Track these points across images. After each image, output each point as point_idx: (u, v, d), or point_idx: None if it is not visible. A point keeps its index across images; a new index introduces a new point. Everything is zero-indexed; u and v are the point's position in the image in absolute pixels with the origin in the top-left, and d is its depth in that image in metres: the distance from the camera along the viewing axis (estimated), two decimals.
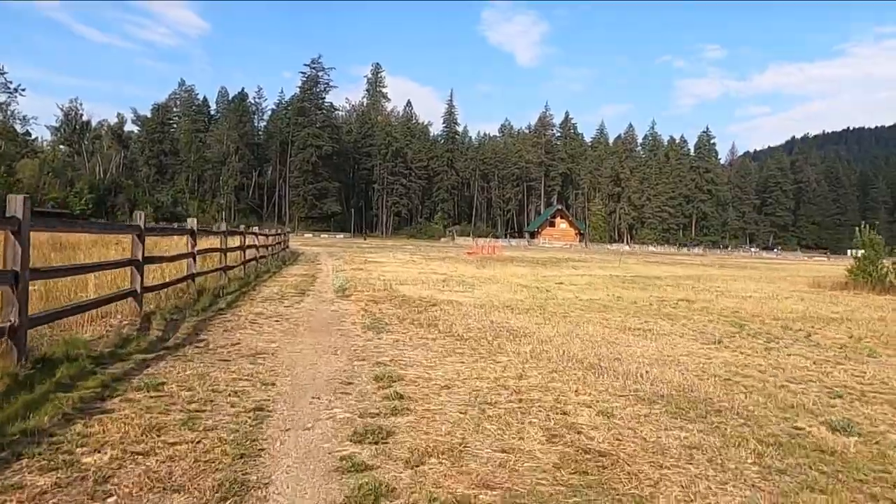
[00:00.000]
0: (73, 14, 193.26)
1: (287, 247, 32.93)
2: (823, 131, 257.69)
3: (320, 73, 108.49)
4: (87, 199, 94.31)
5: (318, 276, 17.62)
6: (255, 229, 19.53)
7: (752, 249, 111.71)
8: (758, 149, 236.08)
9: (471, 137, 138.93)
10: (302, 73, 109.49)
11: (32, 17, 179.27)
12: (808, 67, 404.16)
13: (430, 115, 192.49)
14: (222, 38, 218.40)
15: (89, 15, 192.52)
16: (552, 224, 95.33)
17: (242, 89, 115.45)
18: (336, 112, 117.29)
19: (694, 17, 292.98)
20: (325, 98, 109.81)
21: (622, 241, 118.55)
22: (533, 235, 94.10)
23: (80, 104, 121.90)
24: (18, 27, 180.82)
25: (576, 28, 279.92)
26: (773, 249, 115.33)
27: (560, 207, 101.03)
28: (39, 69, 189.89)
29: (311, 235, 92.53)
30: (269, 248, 23.74)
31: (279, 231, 28.85)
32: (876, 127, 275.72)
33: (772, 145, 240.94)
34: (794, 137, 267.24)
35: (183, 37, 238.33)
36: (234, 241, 16.21)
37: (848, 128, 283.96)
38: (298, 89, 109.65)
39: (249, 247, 17.96)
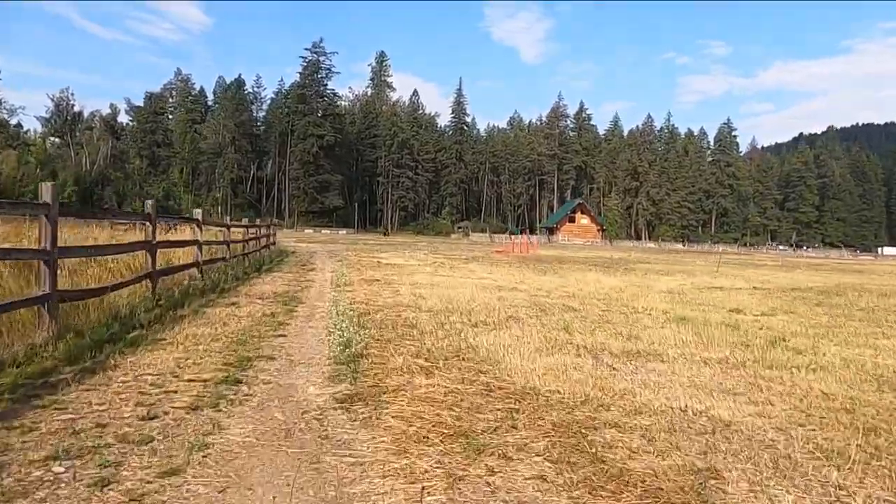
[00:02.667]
0: (76, 9, 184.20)
1: (273, 243, 24.57)
2: (831, 127, 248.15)
3: (322, 58, 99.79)
4: (71, 192, 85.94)
5: (303, 300, 9.26)
6: (197, 213, 11.19)
7: (780, 247, 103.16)
8: (764, 145, 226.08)
9: (478, 130, 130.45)
10: (302, 57, 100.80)
11: (35, 12, 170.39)
12: (814, 64, 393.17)
13: (435, 112, 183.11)
14: (225, 34, 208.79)
15: (91, 10, 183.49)
16: (572, 220, 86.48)
17: (239, 75, 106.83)
18: (339, 100, 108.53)
19: (699, 14, 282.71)
20: (326, 85, 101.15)
21: (640, 239, 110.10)
22: (551, 232, 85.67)
23: (72, 94, 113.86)
24: (20, 22, 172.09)
25: (580, 25, 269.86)
26: (801, 247, 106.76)
27: (581, 201, 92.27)
28: (41, 65, 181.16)
29: (311, 231, 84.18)
30: (234, 247, 15.43)
31: (257, 223, 20.47)
32: (886, 123, 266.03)
33: (779, 142, 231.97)
34: (801, 134, 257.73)
35: (186, 32, 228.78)
36: (149, 235, 7.92)
37: (857, 123, 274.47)
38: (298, 75, 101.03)
39: (178, 244, 9.70)
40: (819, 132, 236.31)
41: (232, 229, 15.42)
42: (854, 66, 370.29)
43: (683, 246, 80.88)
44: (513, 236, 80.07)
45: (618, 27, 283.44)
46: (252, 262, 16.13)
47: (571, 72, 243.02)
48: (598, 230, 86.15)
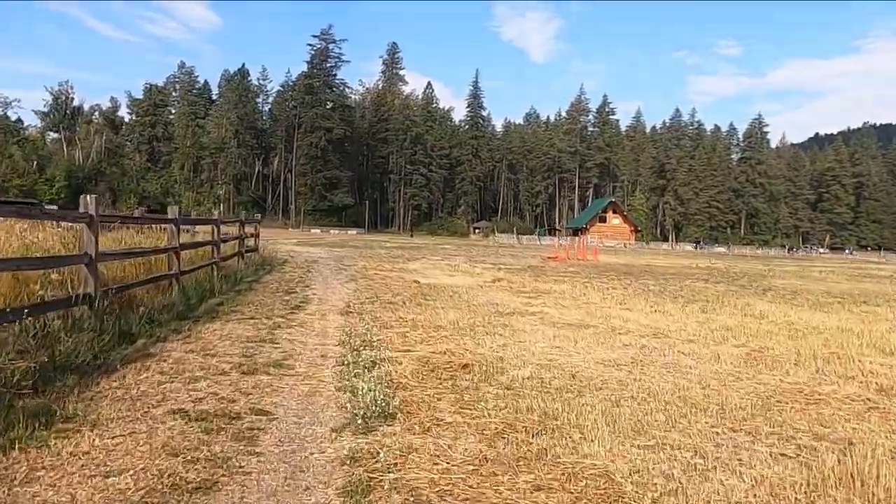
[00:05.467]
0: (86, 10, 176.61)
1: (255, 249, 16.37)
2: (848, 128, 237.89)
3: (331, 46, 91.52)
4: (60, 188, 78.06)
5: None
6: None
7: (820, 250, 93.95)
8: (779, 146, 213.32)
9: (493, 126, 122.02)
10: (310, 45, 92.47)
11: (44, 13, 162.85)
12: (825, 64, 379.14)
13: (449, 107, 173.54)
14: (234, 35, 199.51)
15: (100, 10, 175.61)
16: (603, 219, 77.51)
17: (243, 65, 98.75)
18: (348, 91, 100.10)
19: (708, 13, 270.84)
20: (336, 74, 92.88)
21: (667, 240, 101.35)
22: (577, 232, 77.01)
23: (71, 88, 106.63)
24: (31, 22, 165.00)
25: (590, 25, 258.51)
26: (843, 250, 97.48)
27: (613, 200, 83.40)
28: (50, 64, 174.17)
29: (318, 231, 76.14)
30: (151, 265, 7.27)
31: (215, 218, 12.14)
32: None
33: (794, 142, 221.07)
34: (817, 134, 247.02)
35: (194, 31, 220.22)
36: None
37: (875, 123, 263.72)
38: (306, 64, 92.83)
39: None
40: (835, 132, 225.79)
41: (127, 228, 7.27)
42: (866, 64, 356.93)
43: (726, 250, 72.09)
44: (540, 238, 71.83)
45: (627, 26, 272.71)
46: (184, 294, 7.96)
47: (580, 71, 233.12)
48: (632, 231, 77.45)
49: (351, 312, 7.89)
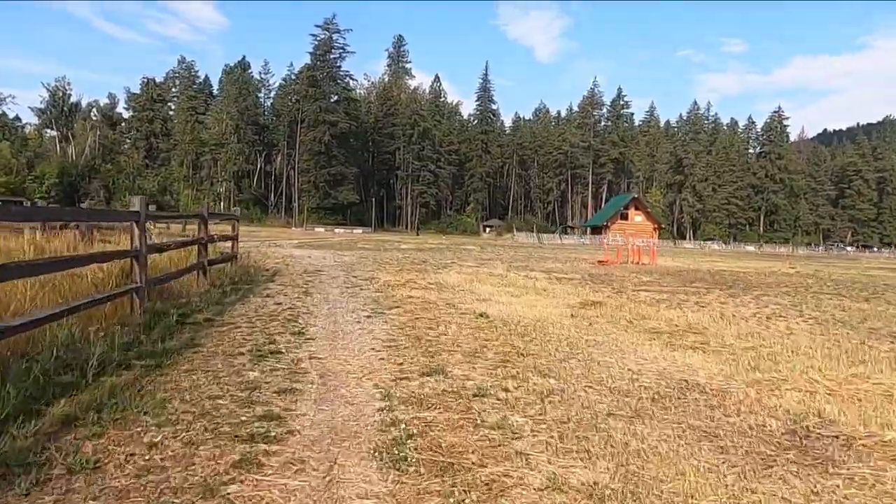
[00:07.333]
0: (94, 10, 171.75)
1: (230, 258, 11.42)
2: (858, 123, 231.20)
3: (335, 36, 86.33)
4: (51, 185, 73.18)
5: None
6: None
7: (847, 248, 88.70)
8: (797, 140, 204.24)
9: (502, 122, 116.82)
10: (313, 35, 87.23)
11: (51, 13, 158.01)
12: (833, 61, 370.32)
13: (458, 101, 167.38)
14: (240, 36, 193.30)
15: (108, 10, 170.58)
16: (624, 217, 72.18)
17: (244, 58, 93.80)
18: (353, 82, 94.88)
19: (715, 11, 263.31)
20: (340, 66, 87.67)
21: (685, 238, 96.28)
22: (596, 230, 71.92)
23: (68, 84, 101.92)
24: (36, 23, 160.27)
25: (595, 23, 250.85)
26: (869, 248, 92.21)
27: (636, 196, 78.12)
28: (58, 65, 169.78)
29: (322, 230, 71.30)
30: None
31: (132, 210, 7.18)
32: None
33: (804, 138, 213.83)
34: (825, 130, 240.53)
35: (200, 32, 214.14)
36: None
37: (888, 116, 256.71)
38: (309, 56, 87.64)
39: None
40: (844, 128, 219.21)
41: None
42: (874, 62, 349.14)
43: (757, 249, 67.04)
44: (561, 237, 66.95)
45: (632, 25, 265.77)
46: None
47: (586, 70, 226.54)
48: (654, 229, 72.31)
49: (402, 457, 2.95)
